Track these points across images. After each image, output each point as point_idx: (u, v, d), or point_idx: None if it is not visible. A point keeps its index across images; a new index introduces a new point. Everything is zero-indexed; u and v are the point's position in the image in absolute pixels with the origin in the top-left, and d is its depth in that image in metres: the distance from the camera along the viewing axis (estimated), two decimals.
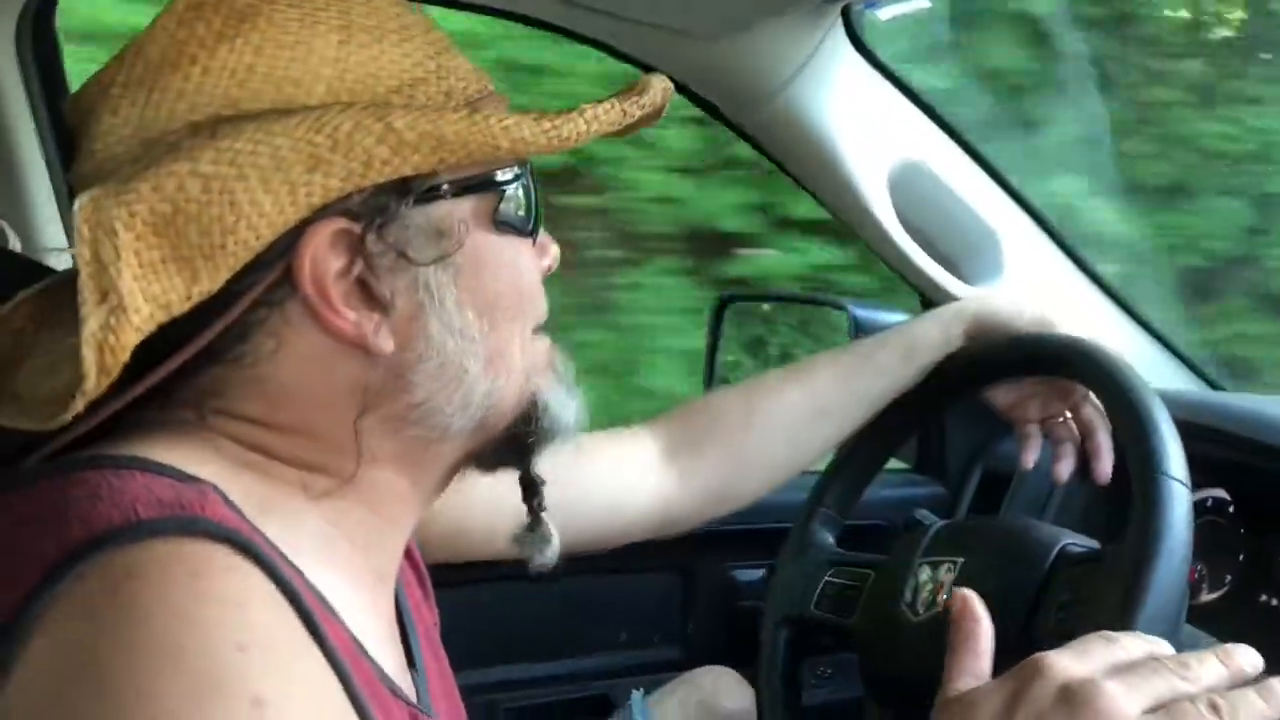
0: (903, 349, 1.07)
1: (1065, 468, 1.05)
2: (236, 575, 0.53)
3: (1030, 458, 1.08)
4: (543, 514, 0.76)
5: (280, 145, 0.57)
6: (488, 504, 0.85)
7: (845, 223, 1.38)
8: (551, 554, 0.77)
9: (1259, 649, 1.06)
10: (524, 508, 0.76)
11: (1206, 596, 1.17)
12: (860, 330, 1.42)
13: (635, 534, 1.06)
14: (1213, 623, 1.01)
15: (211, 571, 0.52)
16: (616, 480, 1.03)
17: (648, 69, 1.14)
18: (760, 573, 1.53)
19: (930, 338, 1.07)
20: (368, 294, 0.62)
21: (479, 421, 0.67)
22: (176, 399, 0.62)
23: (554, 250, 0.73)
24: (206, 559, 0.52)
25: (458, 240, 0.64)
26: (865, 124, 1.30)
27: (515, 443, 0.71)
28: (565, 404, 0.72)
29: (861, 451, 1.12)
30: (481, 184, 0.65)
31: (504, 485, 0.75)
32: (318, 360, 0.62)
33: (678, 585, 1.54)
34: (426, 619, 0.81)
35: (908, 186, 1.33)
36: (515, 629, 1.45)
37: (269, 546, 0.56)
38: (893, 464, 1.35)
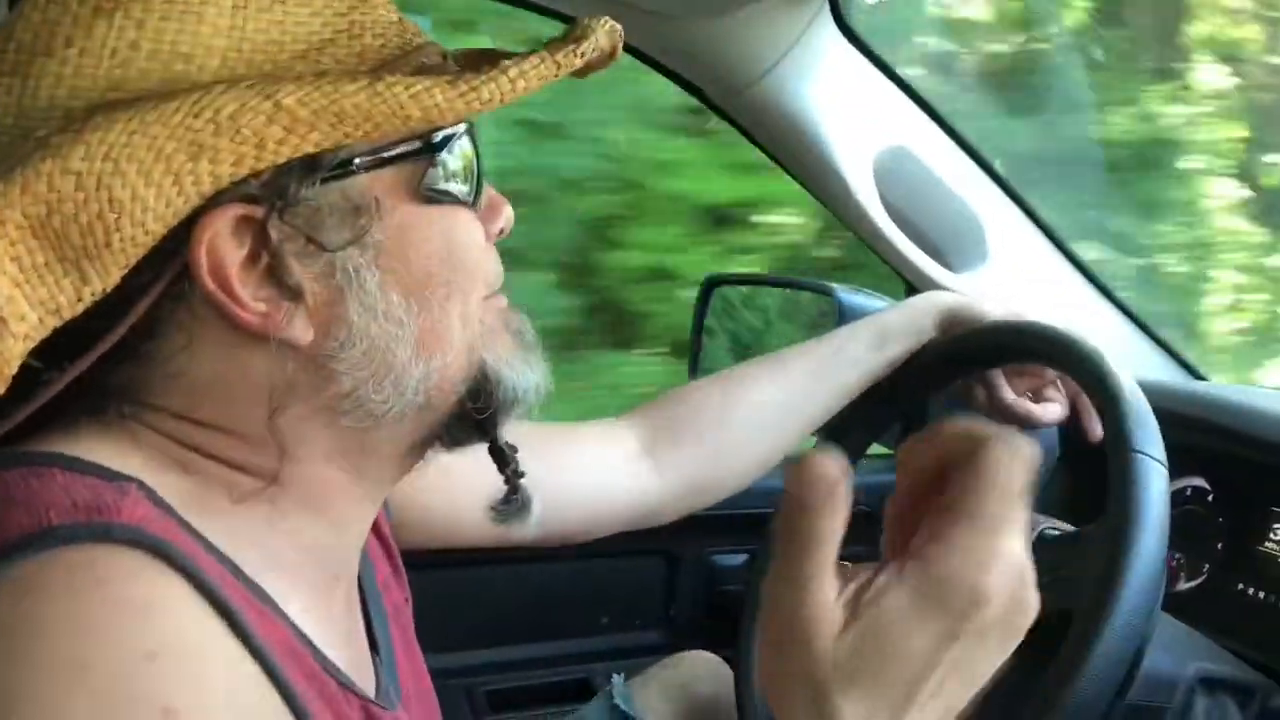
0: (872, 340, 1.07)
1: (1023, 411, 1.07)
2: (146, 580, 0.50)
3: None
4: (520, 481, 0.73)
5: (157, 134, 0.52)
6: (463, 484, 0.84)
7: (830, 208, 1.37)
8: (533, 522, 0.74)
9: (1236, 638, 1.07)
10: (499, 484, 0.73)
11: (1184, 585, 1.17)
12: (846, 315, 1.42)
13: (612, 526, 1.05)
14: (1190, 611, 1.02)
15: (120, 578, 0.50)
16: (594, 473, 1.02)
17: (632, 51, 1.13)
18: (741, 558, 1.54)
19: (900, 329, 1.07)
20: (279, 282, 0.58)
21: (420, 405, 0.63)
22: (99, 393, 0.59)
23: (506, 211, 0.68)
24: (115, 565, 0.50)
25: (376, 218, 0.59)
26: (851, 109, 1.29)
27: (471, 418, 0.66)
28: (522, 369, 0.67)
29: (838, 446, 1.12)
30: (404, 154, 0.60)
31: (479, 464, 0.72)
32: (230, 354, 0.59)
33: (659, 569, 1.54)
34: (395, 597, 0.80)
35: (893, 172, 1.33)
36: (496, 612, 1.44)
37: (194, 544, 0.54)
38: (876, 449, 1.35)
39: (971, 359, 1.07)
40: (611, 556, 1.49)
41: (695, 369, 1.60)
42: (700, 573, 1.54)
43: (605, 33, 0.62)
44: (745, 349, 1.65)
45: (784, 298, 1.82)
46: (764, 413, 1.07)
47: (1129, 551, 0.79)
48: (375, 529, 0.79)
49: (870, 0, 1.25)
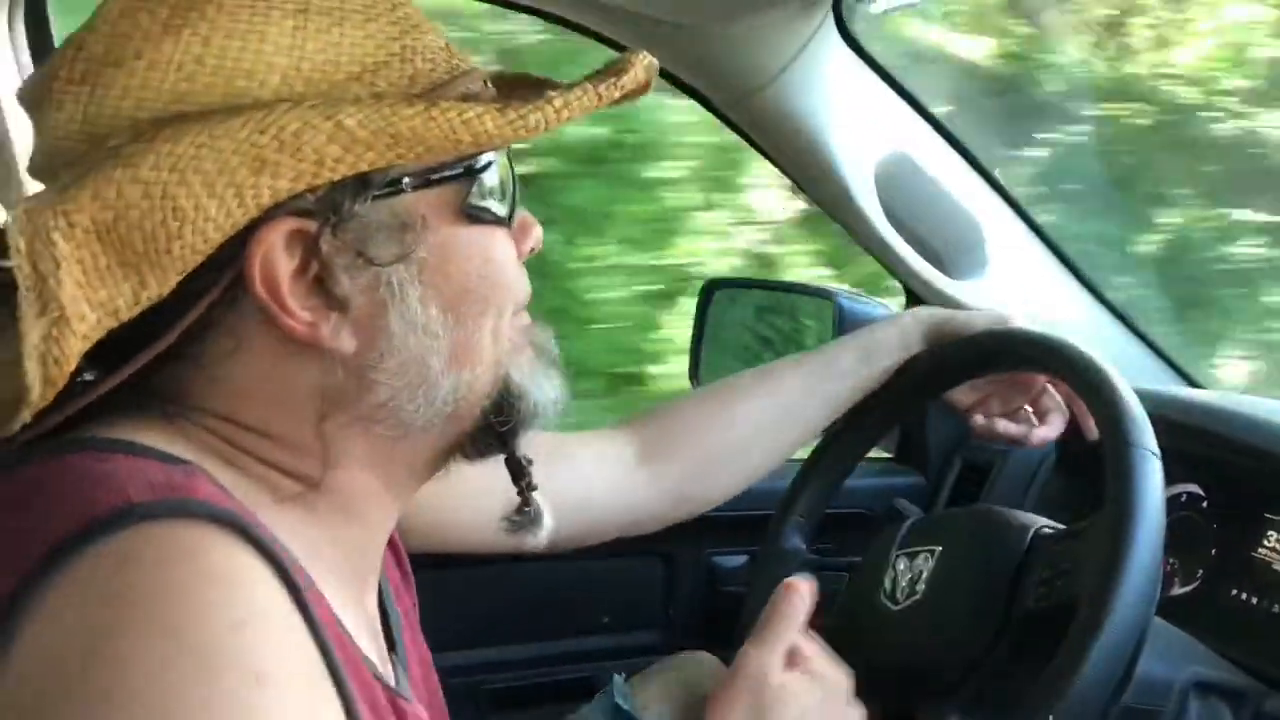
0: (861, 352, 1.09)
1: (1013, 431, 1.08)
2: (232, 554, 0.53)
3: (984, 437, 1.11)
4: (532, 494, 0.76)
5: (223, 148, 0.55)
6: (474, 494, 0.85)
7: (832, 214, 1.39)
8: (544, 534, 0.76)
9: (1230, 643, 1.08)
10: (508, 496, 0.76)
11: (1178, 590, 1.18)
12: (845, 320, 1.43)
13: (604, 535, 1.07)
14: (1184, 616, 1.03)
15: (206, 551, 0.52)
16: (589, 482, 1.04)
17: None
18: (741, 559, 1.55)
19: (888, 342, 1.09)
20: (326, 293, 0.60)
21: (447, 416, 0.66)
22: (148, 392, 0.61)
23: (536, 232, 0.72)
24: (200, 539, 0.52)
25: (421, 235, 0.62)
26: (854, 117, 1.31)
27: (493, 430, 0.69)
28: (542, 385, 0.70)
29: (829, 457, 1.14)
30: (450, 175, 0.63)
31: (489, 474, 0.74)
32: (278, 360, 0.61)
33: (659, 570, 1.55)
34: (405, 603, 0.82)
35: (894, 180, 1.34)
36: (497, 611, 1.45)
37: (258, 525, 0.56)
38: (874, 453, 1.36)
39: (960, 368, 1.08)
40: (612, 557, 1.50)
41: (695, 371, 1.61)
42: (700, 574, 1.55)
43: (644, 67, 0.65)
44: (745, 352, 1.66)
45: (783, 302, 1.84)
46: (756, 425, 1.09)
47: (1129, 541, 0.79)
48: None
49: (874, 10, 1.26)
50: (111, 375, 0.58)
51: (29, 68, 1.34)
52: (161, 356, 0.58)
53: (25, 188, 1.36)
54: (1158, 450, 0.85)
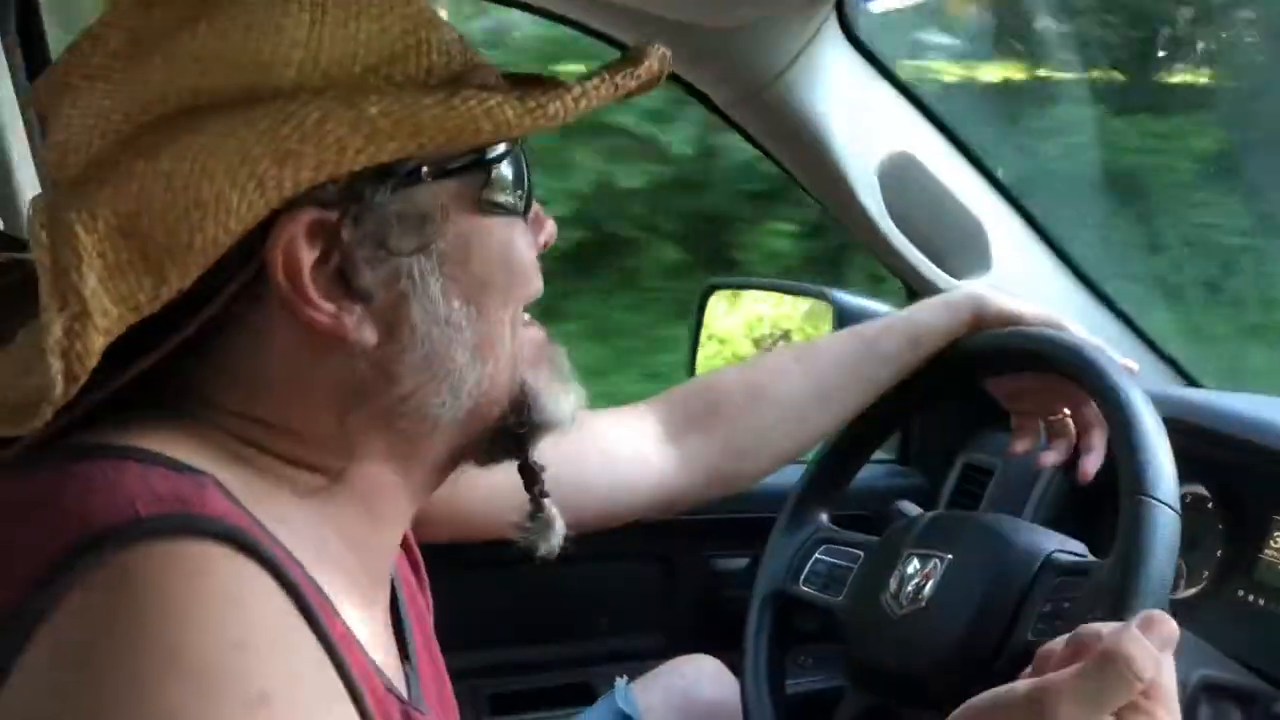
0: (909, 336, 1.06)
1: (1052, 458, 1.06)
2: (235, 572, 0.52)
3: (1022, 446, 1.09)
4: (545, 500, 0.75)
5: (245, 139, 0.54)
6: (490, 485, 0.84)
7: (834, 213, 1.38)
8: (556, 540, 0.75)
9: (1236, 643, 1.08)
10: (524, 494, 0.75)
11: (1185, 592, 1.18)
12: (843, 319, 1.42)
13: (637, 512, 1.05)
14: (1191, 618, 1.02)
15: (209, 570, 0.51)
16: (621, 460, 1.02)
17: None
18: (743, 562, 1.54)
19: (936, 325, 1.06)
20: (347, 284, 0.59)
21: (469, 411, 0.65)
22: (165, 390, 0.60)
23: (550, 226, 0.71)
24: (204, 557, 0.51)
25: (441, 227, 0.62)
26: (856, 117, 1.30)
27: (509, 434, 0.69)
28: (558, 396, 0.70)
29: (861, 431, 1.11)
30: (467, 165, 0.62)
31: (506, 467, 0.73)
32: (299, 353, 0.60)
33: (660, 574, 1.55)
34: (420, 606, 0.81)
35: (897, 179, 1.34)
36: (498, 615, 1.45)
37: (268, 538, 0.55)
38: (876, 454, 1.36)
39: (998, 365, 1.06)
40: (613, 560, 1.50)
41: (692, 373, 1.60)
42: (701, 577, 1.55)
43: (658, 59, 0.65)
44: (742, 354, 1.66)
45: (781, 302, 1.83)
46: (792, 403, 1.06)
47: (1130, 604, 0.78)
48: (403, 539, 0.79)
49: (876, 10, 1.26)
50: (129, 369, 0.57)
51: (23, 84, 1.33)
52: (178, 352, 0.58)
53: (21, 189, 1.35)
54: (1178, 505, 0.83)
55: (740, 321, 1.68)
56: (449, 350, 0.63)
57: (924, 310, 1.09)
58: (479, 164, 0.63)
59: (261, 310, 0.59)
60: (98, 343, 0.53)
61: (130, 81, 0.57)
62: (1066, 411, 1.06)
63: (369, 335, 0.60)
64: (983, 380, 1.09)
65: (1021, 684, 0.58)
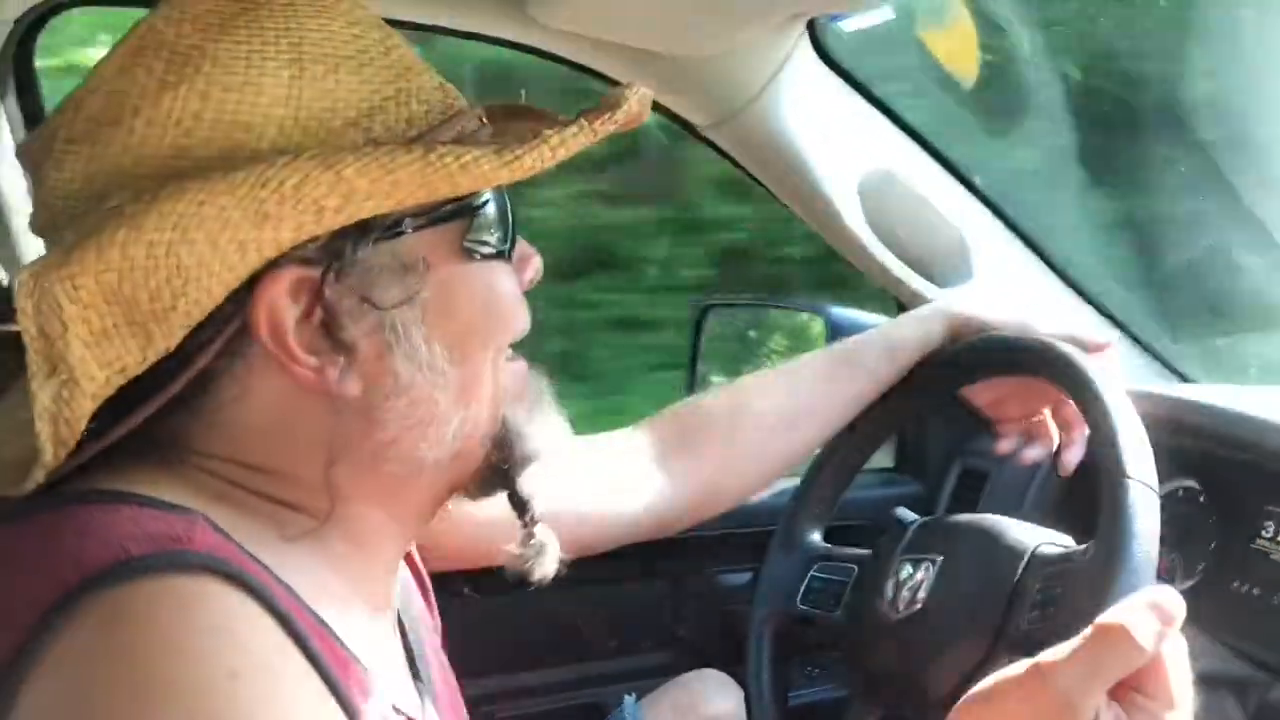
0: (885, 349, 1.09)
1: (1034, 455, 1.09)
2: (226, 603, 0.53)
3: (1006, 446, 1.11)
4: (536, 527, 0.76)
5: (225, 204, 0.55)
6: (485, 517, 0.85)
7: (819, 231, 1.40)
8: (551, 565, 0.76)
9: (1232, 634, 1.09)
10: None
11: (1179, 585, 1.19)
12: (837, 334, 1.44)
13: (631, 537, 1.06)
14: (1186, 610, 1.04)
15: (200, 602, 0.52)
16: (611, 485, 1.04)
17: (615, 84, 1.16)
18: (746, 576, 1.55)
19: (911, 338, 1.09)
20: (332, 338, 0.60)
21: (455, 452, 0.66)
22: (153, 439, 0.61)
23: (536, 262, 0.72)
24: (195, 591, 0.52)
25: (424, 276, 0.62)
26: (834, 134, 1.32)
27: (495, 470, 0.70)
28: (539, 427, 0.71)
29: (845, 448, 1.14)
30: (448, 214, 0.63)
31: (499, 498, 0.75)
32: (284, 405, 0.61)
33: (666, 591, 1.56)
34: (429, 624, 0.82)
35: (878, 193, 1.36)
36: (506, 640, 1.46)
37: (260, 570, 0.56)
38: (872, 463, 1.37)
39: (973, 372, 1.08)
40: (618, 581, 1.51)
41: (692, 392, 1.62)
42: (706, 593, 1.56)
43: (638, 100, 0.65)
44: (741, 371, 1.68)
45: (777, 319, 1.85)
46: (775, 420, 1.08)
47: (1115, 584, 0.79)
48: (410, 564, 0.81)
49: (848, 29, 1.28)
50: (117, 426, 0.58)
51: (20, 130, 1.35)
52: (168, 405, 0.59)
53: (22, 245, 1.37)
54: (1156, 485, 0.85)
55: None
56: (432, 395, 0.64)
57: (898, 324, 1.12)
58: (460, 213, 0.64)
59: (247, 364, 0.60)
60: (86, 408, 0.55)
61: (111, 145, 0.58)
62: (1046, 412, 1.09)
63: (353, 386, 0.61)
64: (961, 388, 1.11)
65: (1020, 664, 0.58)
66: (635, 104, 0.65)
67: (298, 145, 0.58)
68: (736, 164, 1.38)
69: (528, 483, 0.74)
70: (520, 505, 0.75)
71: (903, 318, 1.13)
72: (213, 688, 0.49)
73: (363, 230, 0.60)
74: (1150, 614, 0.56)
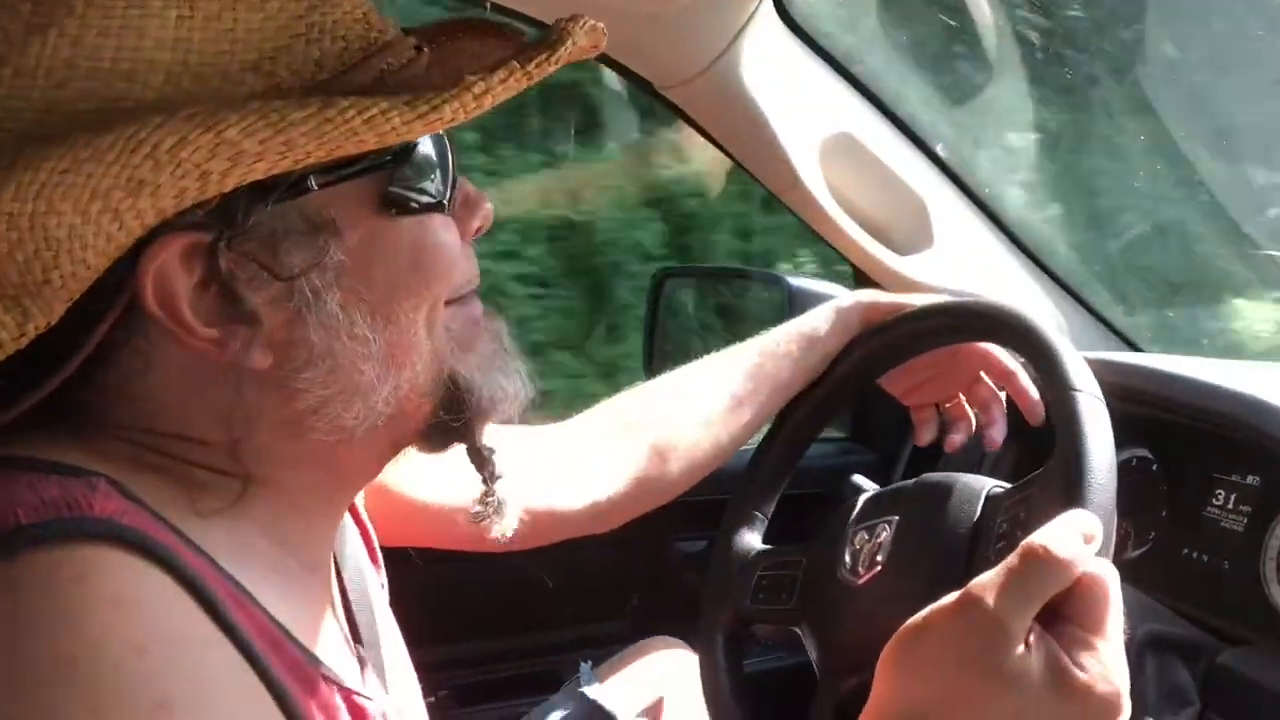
0: (804, 337, 1.10)
1: (957, 440, 1.11)
2: (128, 573, 0.50)
3: (925, 437, 1.14)
4: (495, 482, 0.73)
5: (92, 172, 0.49)
6: (439, 487, 0.83)
7: (777, 195, 1.39)
8: (511, 522, 0.73)
9: (1184, 601, 1.10)
10: (474, 488, 0.73)
11: (1132, 553, 1.21)
12: (795, 302, 1.43)
13: (566, 532, 1.06)
14: (1138, 576, 1.05)
15: (99, 573, 0.49)
16: (550, 479, 1.02)
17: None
18: (702, 544, 1.55)
19: (826, 327, 1.10)
20: (232, 308, 0.55)
21: (390, 416, 0.61)
22: (63, 409, 0.57)
23: (484, 208, 0.65)
24: (92, 561, 0.49)
25: (337, 236, 0.56)
26: (795, 98, 1.31)
27: (445, 426, 0.65)
28: (497, 378, 0.66)
29: (776, 447, 1.14)
30: (361, 169, 0.57)
31: (455, 468, 0.72)
32: (191, 376, 0.57)
33: (620, 559, 1.55)
34: (374, 584, 0.79)
35: (839, 159, 1.35)
36: (460, 608, 1.44)
37: (170, 534, 0.53)
38: (829, 433, 1.37)
39: (891, 351, 1.09)
40: (572, 548, 1.50)
41: (650, 362, 1.61)
42: (660, 560, 1.56)
43: (585, 33, 0.58)
44: (698, 341, 1.67)
45: (734, 288, 1.85)
46: (708, 411, 1.09)
47: (1084, 479, 0.79)
48: (355, 516, 0.78)
49: None
50: (15, 404, 0.54)
51: None
52: (73, 377, 0.55)
53: None
54: (1100, 394, 0.85)
55: None
56: (354, 364, 0.58)
57: (817, 314, 1.12)
58: (378, 165, 0.58)
59: (147, 336, 0.56)
60: None
61: None
62: (961, 396, 1.11)
63: (259, 358, 0.57)
64: (878, 376, 1.12)
65: (949, 595, 0.59)
66: (584, 38, 0.58)
67: (188, 95, 0.52)
68: (695, 126, 1.36)
69: (486, 437, 0.70)
70: (479, 459, 0.72)
71: (820, 308, 1.13)
72: (117, 663, 0.46)
73: (259, 191, 0.54)
74: (1070, 532, 0.58)
